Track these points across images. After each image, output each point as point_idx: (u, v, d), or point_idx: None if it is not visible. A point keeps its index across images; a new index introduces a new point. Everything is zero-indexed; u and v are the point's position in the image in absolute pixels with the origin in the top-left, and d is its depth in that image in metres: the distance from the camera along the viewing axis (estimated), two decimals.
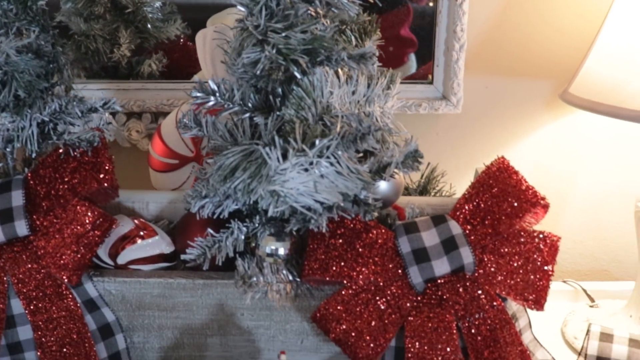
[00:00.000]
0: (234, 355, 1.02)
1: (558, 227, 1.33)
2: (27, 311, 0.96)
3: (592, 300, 1.25)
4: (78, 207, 0.96)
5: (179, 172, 1.13)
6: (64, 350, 0.98)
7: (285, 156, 0.87)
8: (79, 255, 0.95)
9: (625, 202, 1.20)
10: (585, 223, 1.33)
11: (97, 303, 1.00)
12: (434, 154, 1.22)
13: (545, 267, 0.98)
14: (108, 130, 1.04)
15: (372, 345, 0.94)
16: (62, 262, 0.94)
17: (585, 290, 1.26)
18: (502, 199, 0.99)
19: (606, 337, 1.04)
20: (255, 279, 0.93)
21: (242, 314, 1.00)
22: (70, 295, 0.98)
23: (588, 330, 1.05)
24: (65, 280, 0.95)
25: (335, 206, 0.92)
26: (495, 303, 0.97)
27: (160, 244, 1.00)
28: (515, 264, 0.98)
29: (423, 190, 1.15)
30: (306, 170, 0.90)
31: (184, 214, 1.02)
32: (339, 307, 0.95)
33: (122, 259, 0.99)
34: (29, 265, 0.96)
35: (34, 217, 0.97)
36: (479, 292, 0.96)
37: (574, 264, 1.36)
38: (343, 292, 0.96)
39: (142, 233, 0.99)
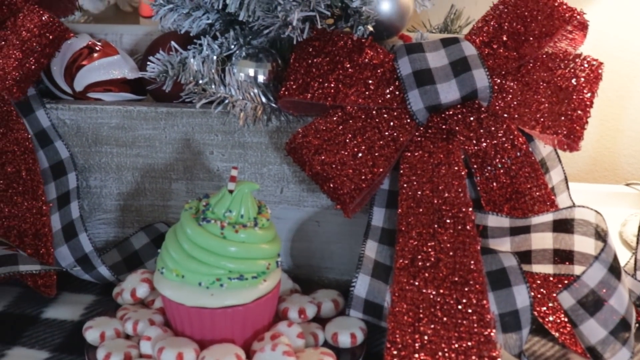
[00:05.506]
0: None
1: (620, 121, 1.11)
2: None
3: None
4: (26, 11, 0.83)
5: None
6: (10, 191, 0.85)
7: None
8: (23, 64, 0.82)
9: None
10: None
11: (50, 135, 0.86)
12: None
13: (583, 95, 0.78)
14: None
15: (355, 180, 0.76)
16: (4, 72, 0.82)
17: None
18: (529, 17, 0.80)
19: None
20: (213, 87, 0.77)
21: (212, 152, 0.84)
22: (22, 127, 0.85)
23: None
24: (7, 92, 0.82)
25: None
26: (517, 142, 0.77)
27: (121, 65, 0.86)
28: (544, 93, 0.78)
29: (441, 32, 0.96)
30: None
31: (155, 38, 0.88)
32: (319, 135, 0.78)
33: (79, 83, 0.86)
34: None
35: None
36: (497, 126, 0.77)
37: None
38: (326, 119, 0.79)
39: (98, 48, 0.85)
